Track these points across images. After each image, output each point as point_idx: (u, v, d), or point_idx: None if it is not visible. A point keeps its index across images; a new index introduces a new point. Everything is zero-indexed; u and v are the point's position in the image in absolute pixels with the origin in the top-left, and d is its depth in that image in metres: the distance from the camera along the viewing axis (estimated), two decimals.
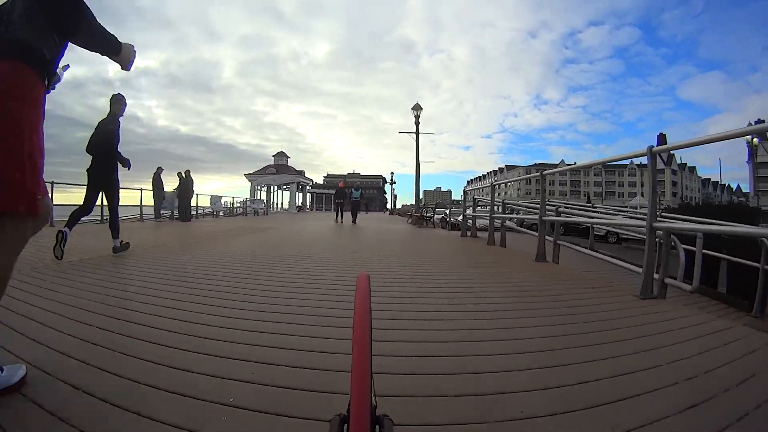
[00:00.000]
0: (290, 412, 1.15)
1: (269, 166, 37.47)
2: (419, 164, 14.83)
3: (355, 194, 15.04)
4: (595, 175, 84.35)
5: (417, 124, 14.71)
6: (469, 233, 8.81)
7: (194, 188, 14.14)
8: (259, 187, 35.94)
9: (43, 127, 1.23)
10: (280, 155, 39.02)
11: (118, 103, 4.31)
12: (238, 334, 1.80)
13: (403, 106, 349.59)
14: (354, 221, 14.19)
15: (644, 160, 3.12)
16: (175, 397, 1.22)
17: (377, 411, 0.55)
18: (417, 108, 14.79)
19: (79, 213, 4.28)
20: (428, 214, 13.44)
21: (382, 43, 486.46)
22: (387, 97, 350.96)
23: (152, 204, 13.41)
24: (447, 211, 15.95)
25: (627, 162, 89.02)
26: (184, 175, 13.95)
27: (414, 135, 14.86)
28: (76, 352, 1.52)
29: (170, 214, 13.83)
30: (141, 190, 13.50)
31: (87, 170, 4.27)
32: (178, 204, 13.72)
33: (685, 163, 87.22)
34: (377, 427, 0.52)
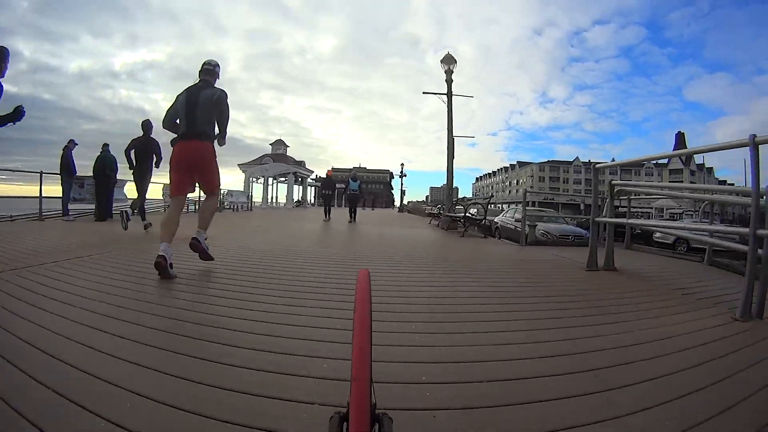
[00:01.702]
0: None
1: (266, 155, 32.59)
2: (453, 140, 9.87)
3: (353, 186, 12.10)
4: (610, 173, 78.54)
5: (449, 82, 9.78)
6: (597, 261, 4.02)
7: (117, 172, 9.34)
8: (254, 179, 31.18)
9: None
10: (278, 143, 34.09)
11: None
12: None
13: (408, 101, 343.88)
14: (352, 219, 11.58)
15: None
16: None
17: (376, 409, 0.52)
18: (449, 61, 9.85)
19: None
20: (474, 216, 8.39)
21: (387, 38, 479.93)
22: (392, 93, 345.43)
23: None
24: (473, 211, 11.21)
25: (645, 162, 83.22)
26: (101, 151, 9.14)
27: (444, 97, 9.88)
28: None
29: (94, 209, 8.97)
30: (41, 174, 8.78)
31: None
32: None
33: (703, 164, 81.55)
34: (377, 425, 0.50)
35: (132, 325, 1.78)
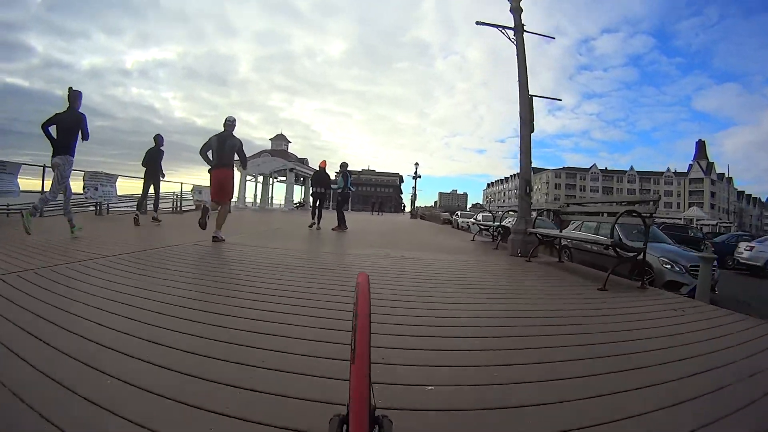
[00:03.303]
0: None
1: (264, 151, 28.73)
2: (531, 100, 5.69)
3: (341, 183, 9.11)
4: (629, 181, 73.66)
5: (517, 10, 5.66)
6: None
7: None
8: (250, 178, 27.31)
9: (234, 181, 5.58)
10: (279, 138, 30.23)
11: None
12: None
13: (418, 106, 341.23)
14: (341, 226, 8.67)
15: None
16: None
17: (376, 412, 0.52)
18: None
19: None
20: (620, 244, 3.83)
21: (396, 43, 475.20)
22: (402, 97, 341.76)
23: None
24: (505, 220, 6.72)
25: (663, 169, 78.48)
26: None
27: (511, 32, 5.71)
28: None
29: None
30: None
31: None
32: None
33: (723, 173, 76.34)
34: (376, 427, 0.50)
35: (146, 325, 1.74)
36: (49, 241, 4.03)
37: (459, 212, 24.34)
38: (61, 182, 4.56)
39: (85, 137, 4.61)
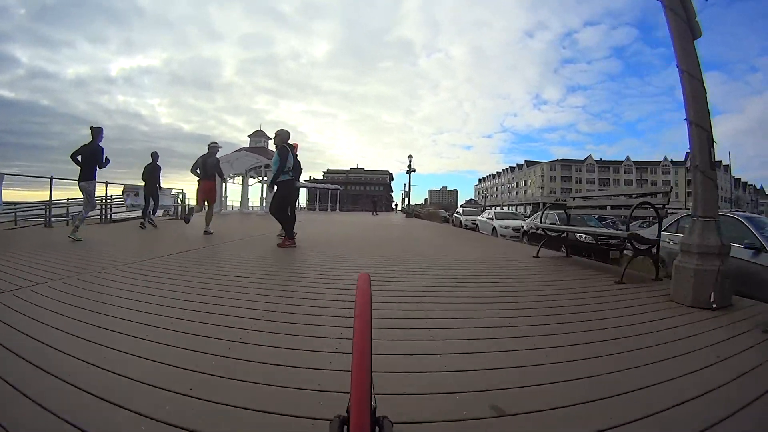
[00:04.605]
0: None
1: (242, 149, 25.86)
2: None
3: (276, 165, 5.42)
4: (625, 172, 72.14)
5: None
6: None
7: None
8: (228, 178, 24.42)
9: (217, 190, 8.42)
10: (258, 134, 27.38)
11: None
12: None
13: (403, 105, 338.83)
14: (291, 238, 5.43)
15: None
16: None
17: (377, 412, 0.51)
18: None
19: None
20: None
21: (380, 43, 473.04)
22: (387, 96, 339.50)
23: None
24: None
25: (652, 159, 77.21)
26: None
27: None
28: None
29: None
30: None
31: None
32: None
33: (720, 161, 75.46)
34: (377, 428, 0.49)
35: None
36: None
37: (461, 209, 21.86)
38: (91, 201, 5.99)
39: (101, 166, 5.86)
